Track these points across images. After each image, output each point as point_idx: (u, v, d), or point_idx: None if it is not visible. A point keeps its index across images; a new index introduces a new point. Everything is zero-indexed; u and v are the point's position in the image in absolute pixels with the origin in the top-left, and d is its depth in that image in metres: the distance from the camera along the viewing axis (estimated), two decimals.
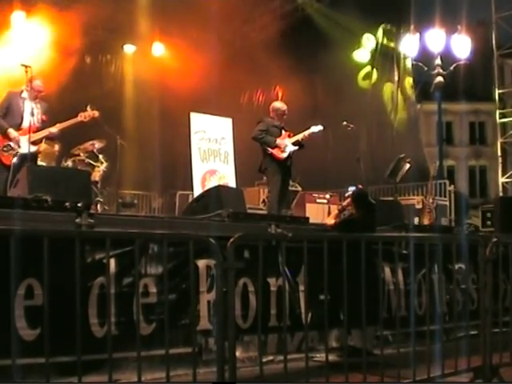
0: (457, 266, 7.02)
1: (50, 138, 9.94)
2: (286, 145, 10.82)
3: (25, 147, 9.16)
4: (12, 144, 9.20)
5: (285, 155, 10.80)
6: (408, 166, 13.92)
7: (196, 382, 4.78)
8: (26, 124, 9.28)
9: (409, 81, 19.23)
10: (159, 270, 6.02)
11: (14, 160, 9.09)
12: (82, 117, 9.80)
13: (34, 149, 9.43)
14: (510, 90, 22.41)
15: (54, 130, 9.63)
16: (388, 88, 19.49)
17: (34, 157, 9.50)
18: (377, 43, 19.37)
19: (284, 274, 6.42)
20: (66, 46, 15.57)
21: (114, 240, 4.99)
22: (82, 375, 4.47)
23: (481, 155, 39.17)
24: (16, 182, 7.83)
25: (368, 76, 19.52)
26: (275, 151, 10.76)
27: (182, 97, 16.63)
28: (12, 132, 9.18)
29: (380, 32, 19.27)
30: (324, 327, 5.71)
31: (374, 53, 19.34)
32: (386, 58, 19.36)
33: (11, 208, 5.87)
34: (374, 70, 19.44)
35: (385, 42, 19.33)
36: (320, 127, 11.14)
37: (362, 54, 19.53)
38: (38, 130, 9.49)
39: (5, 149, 9.19)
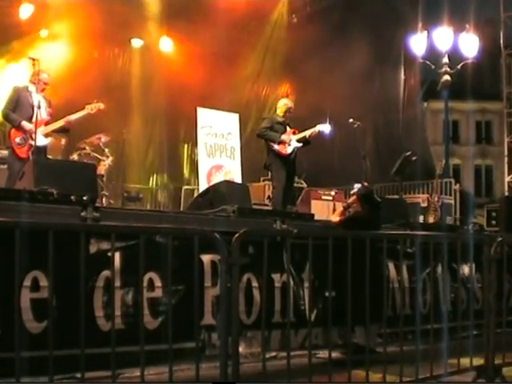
0: (461, 265, 7.00)
1: (63, 130, 9.98)
2: (291, 140, 10.83)
3: (40, 139, 9.20)
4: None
5: (289, 151, 10.81)
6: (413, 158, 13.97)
7: (198, 381, 4.79)
8: (42, 116, 9.33)
9: (415, 80, 19.17)
10: (164, 265, 6.04)
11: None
12: (88, 109, 9.83)
13: (46, 141, 9.48)
14: None
15: (73, 117, 9.67)
16: None
17: (45, 149, 9.56)
18: None
19: (288, 271, 6.42)
20: (74, 39, 15.60)
21: (118, 234, 4.99)
22: (89, 369, 4.48)
23: (487, 154, 39.10)
24: (22, 175, 7.84)
25: None
26: (279, 147, 10.78)
27: (189, 92, 16.63)
28: (26, 124, 9.17)
29: None
30: (328, 324, 5.71)
31: None
32: None
33: (17, 201, 5.89)
34: None
35: None
36: (326, 126, 11.13)
37: None
38: (49, 122, 9.53)
39: (21, 142, 9.21)
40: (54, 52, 15.17)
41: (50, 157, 9.91)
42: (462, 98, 28.49)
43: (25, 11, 14.90)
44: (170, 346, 4.69)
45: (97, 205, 6.54)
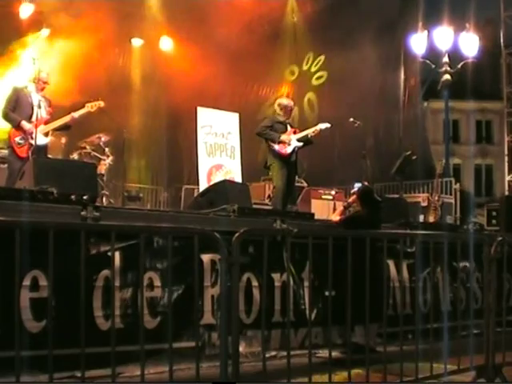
0: (461, 265, 7.00)
1: (65, 128, 9.99)
2: (291, 140, 10.81)
3: (40, 138, 9.21)
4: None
5: (289, 151, 10.77)
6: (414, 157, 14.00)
7: (198, 380, 4.79)
8: (41, 115, 9.38)
9: (416, 79, 19.18)
10: (164, 264, 6.04)
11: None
12: (89, 107, 9.85)
13: (46, 140, 9.50)
14: None
15: (76, 114, 9.69)
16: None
17: (46, 148, 9.57)
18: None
19: (289, 270, 6.42)
20: (74, 39, 15.58)
21: (118, 233, 4.98)
22: (87, 368, 4.48)
23: (487, 154, 39.09)
24: (22, 174, 7.84)
25: None
26: (279, 147, 10.74)
27: (189, 91, 16.61)
28: (26, 124, 9.19)
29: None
30: (328, 323, 5.71)
31: None
32: None
33: (17, 200, 5.88)
34: None
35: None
36: (327, 124, 11.11)
37: None
38: (48, 122, 9.54)
39: (21, 141, 9.22)
40: (54, 51, 15.16)
41: (50, 156, 9.91)
42: (463, 97, 28.48)
43: (25, 11, 14.89)
44: (170, 346, 4.69)
45: (97, 204, 6.54)
